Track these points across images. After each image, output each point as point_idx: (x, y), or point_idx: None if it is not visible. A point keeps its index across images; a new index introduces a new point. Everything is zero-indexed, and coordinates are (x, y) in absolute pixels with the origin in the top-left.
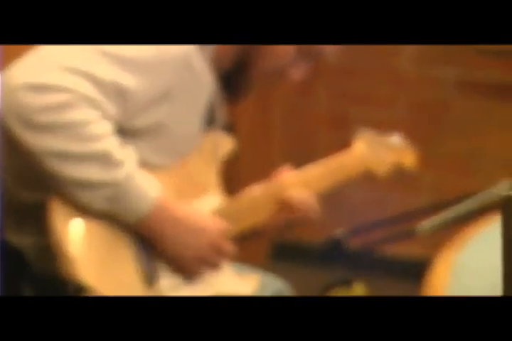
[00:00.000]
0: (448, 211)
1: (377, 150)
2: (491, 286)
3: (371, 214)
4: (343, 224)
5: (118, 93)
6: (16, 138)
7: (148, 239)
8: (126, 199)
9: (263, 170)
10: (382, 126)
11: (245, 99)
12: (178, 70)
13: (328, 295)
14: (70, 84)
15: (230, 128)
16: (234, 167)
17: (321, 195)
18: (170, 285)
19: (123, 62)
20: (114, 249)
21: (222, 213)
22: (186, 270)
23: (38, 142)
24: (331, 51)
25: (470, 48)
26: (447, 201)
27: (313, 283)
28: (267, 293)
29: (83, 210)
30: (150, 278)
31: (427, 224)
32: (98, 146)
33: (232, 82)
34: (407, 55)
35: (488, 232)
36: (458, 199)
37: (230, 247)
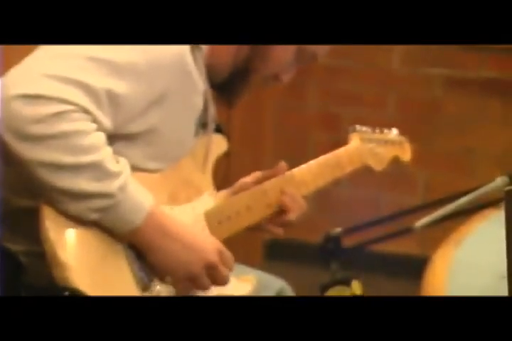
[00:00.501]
0: (444, 208)
1: (373, 145)
2: (489, 282)
3: (366, 213)
4: (339, 223)
5: (111, 100)
6: (8, 149)
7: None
8: (118, 211)
9: (256, 171)
10: (374, 125)
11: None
12: (172, 75)
13: (326, 294)
14: (62, 94)
15: (222, 129)
16: (227, 167)
17: (316, 192)
18: (165, 291)
19: (114, 68)
20: (108, 256)
21: (217, 214)
22: (176, 285)
23: (30, 153)
24: (323, 55)
25: (458, 46)
26: (442, 199)
27: (309, 282)
28: (271, 292)
29: (76, 217)
30: (144, 284)
31: (423, 221)
32: (91, 158)
33: (229, 87)
34: (396, 55)
35: (485, 229)
36: (453, 197)
37: (224, 270)
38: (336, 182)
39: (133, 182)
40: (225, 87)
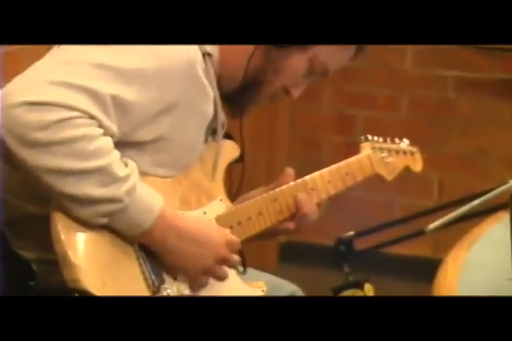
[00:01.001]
0: (456, 211)
1: (384, 154)
2: (500, 284)
3: (381, 216)
4: (354, 226)
5: (117, 106)
6: (14, 156)
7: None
8: (127, 215)
9: (269, 173)
10: (388, 127)
11: (248, 113)
12: (181, 82)
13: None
14: (67, 100)
15: (232, 135)
16: (241, 172)
17: (330, 197)
18: (176, 293)
19: (121, 75)
20: (119, 258)
21: (228, 220)
22: (191, 281)
23: (36, 160)
24: (334, 69)
25: (470, 47)
26: (455, 201)
27: (322, 284)
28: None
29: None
30: (156, 286)
31: (435, 224)
32: (97, 163)
33: (239, 98)
34: (409, 56)
35: (497, 231)
36: (466, 199)
37: (234, 258)
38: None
39: (141, 184)
40: (234, 99)
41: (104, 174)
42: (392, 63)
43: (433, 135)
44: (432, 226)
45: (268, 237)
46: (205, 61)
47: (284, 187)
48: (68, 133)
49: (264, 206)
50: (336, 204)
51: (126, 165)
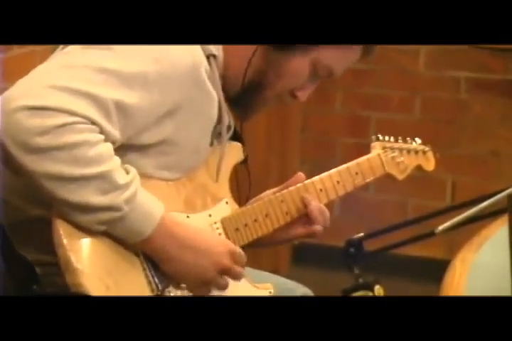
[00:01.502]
0: (466, 212)
1: (396, 154)
2: (508, 286)
3: (393, 217)
4: (366, 228)
5: (120, 111)
6: (15, 160)
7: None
8: (126, 223)
9: (282, 175)
10: (400, 129)
11: (253, 117)
12: (185, 86)
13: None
14: (68, 105)
15: (241, 137)
16: (252, 174)
17: (345, 197)
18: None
19: (123, 79)
20: (122, 262)
21: (234, 222)
22: (192, 290)
23: (36, 165)
24: (340, 71)
25: (483, 48)
26: (466, 202)
27: (334, 286)
28: None
29: None
30: (160, 290)
31: (445, 225)
32: (97, 169)
33: (242, 101)
34: (422, 58)
35: (506, 232)
36: (477, 200)
37: (237, 269)
38: (363, 187)
39: (142, 192)
40: (238, 101)
41: (104, 181)
42: (404, 65)
43: (446, 136)
44: (441, 227)
45: (280, 243)
46: (209, 63)
47: (292, 188)
48: (69, 138)
49: (271, 207)
50: (349, 206)
51: (127, 172)
